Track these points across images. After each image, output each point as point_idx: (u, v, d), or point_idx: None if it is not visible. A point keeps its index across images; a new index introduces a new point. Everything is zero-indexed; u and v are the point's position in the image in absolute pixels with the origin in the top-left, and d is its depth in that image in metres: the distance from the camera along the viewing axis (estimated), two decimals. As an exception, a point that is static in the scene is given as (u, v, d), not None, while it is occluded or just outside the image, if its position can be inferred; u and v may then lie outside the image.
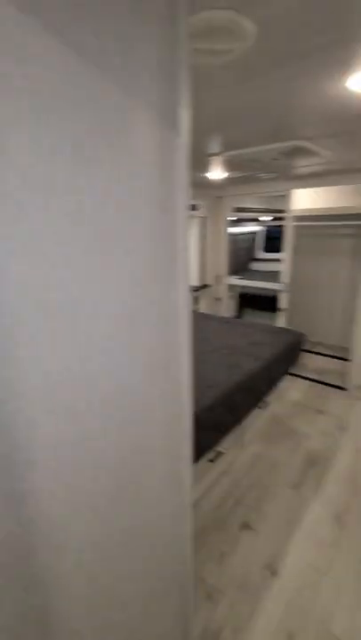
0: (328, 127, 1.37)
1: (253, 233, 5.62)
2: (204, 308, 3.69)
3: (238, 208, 3.93)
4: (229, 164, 2.20)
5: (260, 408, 2.49)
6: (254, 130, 1.39)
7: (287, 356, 2.38)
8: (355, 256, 3.55)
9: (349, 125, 1.34)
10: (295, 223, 3.44)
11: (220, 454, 1.99)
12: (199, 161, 2.06)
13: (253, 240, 5.66)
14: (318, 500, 1.95)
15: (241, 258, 5.41)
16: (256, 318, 4.42)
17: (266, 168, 2.40)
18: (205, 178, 2.75)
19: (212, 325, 2.80)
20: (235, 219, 4.33)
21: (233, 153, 1.76)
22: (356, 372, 2.97)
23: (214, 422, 1.65)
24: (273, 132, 1.45)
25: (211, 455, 1.93)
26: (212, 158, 1.98)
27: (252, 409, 1.99)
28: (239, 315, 4.59)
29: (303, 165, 2.37)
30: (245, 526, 1.80)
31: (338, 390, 3.19)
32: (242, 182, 3.18)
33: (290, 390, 3.22)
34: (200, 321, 2.94)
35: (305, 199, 3.47)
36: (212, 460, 1.93)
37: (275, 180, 3.03)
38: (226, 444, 2.08)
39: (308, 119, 1.27)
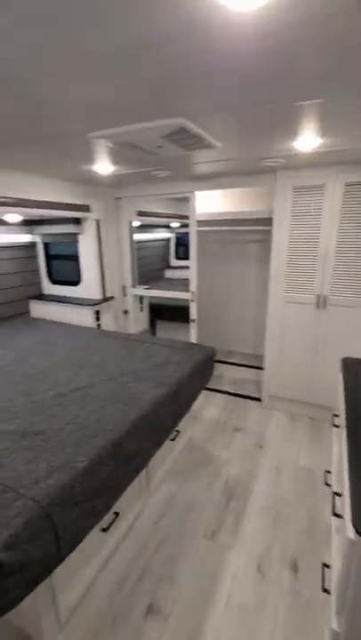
0: (216, 91, 1.07)
1: (167, 239, 5.39)
2: (106, 323, 3.23)
3: (143, 212, 3.61)
4: (111, 153, 1.82)
5: (171, 440, 2.14)
6: (128, 87, 1.02)
7: (197, 377, 2.09)
8: (262, 262, 3.51)
9: (237, 95, 1.08)
10: (199, 228, 3.25)
11: (116, 517, 1.56)
12: (72, 144, 1.63)
13: (167, 247, 5.43)
14: (238, 548, 1.66)
15: (153, 266, 5.12)
16: (170, 331, 4.13)
17: (159, 163, 2.10)
18: (95, 173, 2.34)
19: (109, 346, 2.37)
20: (139, 224, 4.00)
21: (105, 132, 1.38)
22: (269, 382, 2.86)
23: (99, 486, 1.22)
24: (151, 97, 1.11)
25: (104, 523, 1.49)
26: (87, 140, 1.58)
27: (154, 451, 1.61)
28: (153, 328, 4.25)
29: (201, 162, 2.12)
30: (152, 610, 1.39)
31: (254, 402, 3.05)
32: (140, 181, 2.86)
33: (206, 407, 2.96)
34: (95, 341, 2.48)
35: (210, 202, 3.31)
36: (105, 530, 1.49)
37: (175, 179, 2.77)
38: (126, 500, 1.66)
39: (194, 73, 0.94)
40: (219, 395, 3.19)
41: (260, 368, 3.54)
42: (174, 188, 2.87)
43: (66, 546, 1.09)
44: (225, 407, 2.97)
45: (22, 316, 3.27)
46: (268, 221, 3.23)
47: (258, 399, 3.05)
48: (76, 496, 1.13)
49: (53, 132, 1.41)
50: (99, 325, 3.14)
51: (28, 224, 3.11)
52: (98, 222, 3.02)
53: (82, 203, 2.82)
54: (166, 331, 4.16)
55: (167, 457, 2.16)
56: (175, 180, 2.81)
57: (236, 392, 3.20)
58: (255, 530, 1.76)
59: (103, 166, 2.16)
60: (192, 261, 2.96)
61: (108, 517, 1.54)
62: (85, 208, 2.87)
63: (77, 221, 2.98)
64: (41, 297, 3.29)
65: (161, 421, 1.65)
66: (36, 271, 3.38)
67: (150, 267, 5.05)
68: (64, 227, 2.99)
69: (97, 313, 3.09)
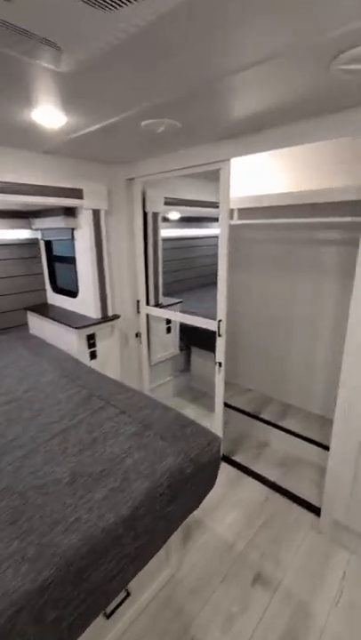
0: None
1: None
2: (107, 352, 2.37)
3: (174, 199, 2.64)
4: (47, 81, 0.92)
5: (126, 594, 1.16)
6: None
7: (170, 501, 1.05)
8: (343, 276, 2.19)
9: None
10: (236, 221, 2.14)
11: None
12: None
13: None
14: None
15: (209, 269, 4.11)
16: (209, 364, 3.07)
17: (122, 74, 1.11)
18: (43, 128, 1.46)
19: (56, 401, 1.46)
20: (179, 217, 3.04)
21: None
22: (334, 494, 1.60)
23: None
24: None
25: None
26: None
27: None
28: (188, 357, 3.24)
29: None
30: None
31: (308, 514, 1.82)
32: (155, 153, 1.90)
33: (223, 505, 1.86)
34: (47, 387, 1.58)
35: (256, 179, 2.15)
36: None
37: (200, 141, 1.72)
38: None
39: None
40: (252, 481, 2.04)
41: (326, 448, 2.24)
42: (200, 157, 1.82)
43: None
44: (254, 513, 1.82)
45: (16, 330, 2.66)
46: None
47: (316, 510, 1.81)
48: None
49: None
50: (93, 353, 2.31)
51: (22, 216, 2.45)
52: (97, 213, 2.17)
53: (71, 186, 2.01)
54: (205, 362, 3.12)
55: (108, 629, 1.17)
56: (201, 143, 1.77)
57: (281, 485, 2.00)
58: None
59: (47, 112, 1.27)
60: (221, 272, 1.88)
61: None
62: (77, 193, 2.05)
63: (71, 212, 2.19)
64: (38, 309, 2.63)
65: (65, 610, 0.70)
66: (40, 275, 2.74)
67: (205, 270, 4.06)
68: (54, 219, 2.23)
69: (89, 338, 2.26)
